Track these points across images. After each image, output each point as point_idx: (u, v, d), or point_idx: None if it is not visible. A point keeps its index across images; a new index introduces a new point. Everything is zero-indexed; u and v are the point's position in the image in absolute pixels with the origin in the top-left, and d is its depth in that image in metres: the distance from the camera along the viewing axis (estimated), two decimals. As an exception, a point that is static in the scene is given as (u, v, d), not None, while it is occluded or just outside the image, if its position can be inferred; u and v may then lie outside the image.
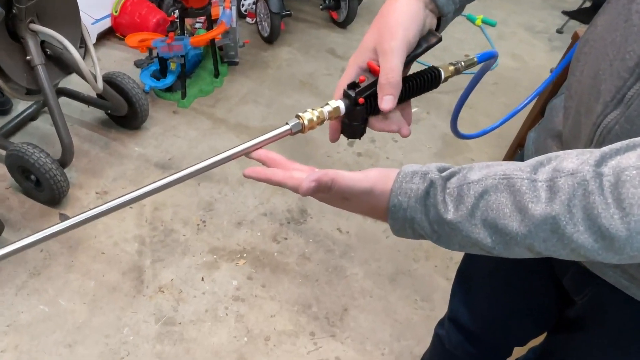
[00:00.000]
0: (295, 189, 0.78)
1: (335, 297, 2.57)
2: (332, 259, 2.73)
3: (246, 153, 0.84)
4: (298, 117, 0.84)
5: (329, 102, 0.86)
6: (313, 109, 0.84)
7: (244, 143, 0.83)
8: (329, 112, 0.85)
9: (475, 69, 1.05)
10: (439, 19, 0.92)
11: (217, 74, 3.85)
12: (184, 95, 3.63)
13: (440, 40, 0.90)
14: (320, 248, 2.77)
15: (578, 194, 0.62)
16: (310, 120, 0.84)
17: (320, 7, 4.60)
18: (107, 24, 4.16)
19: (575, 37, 2.52)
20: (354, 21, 4.68)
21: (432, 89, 0.94)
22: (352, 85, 0.86)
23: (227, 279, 2.60)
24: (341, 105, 0.86)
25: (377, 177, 0.77)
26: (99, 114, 3.42)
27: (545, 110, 1.17)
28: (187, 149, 3.29)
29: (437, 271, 2.72)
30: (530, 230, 0.65)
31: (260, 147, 0.85)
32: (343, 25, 4.70)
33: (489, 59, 1.01)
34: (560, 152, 0.68)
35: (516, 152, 3.12)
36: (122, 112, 3.15)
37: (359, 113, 0.87)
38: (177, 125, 3.47)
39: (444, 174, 0.75)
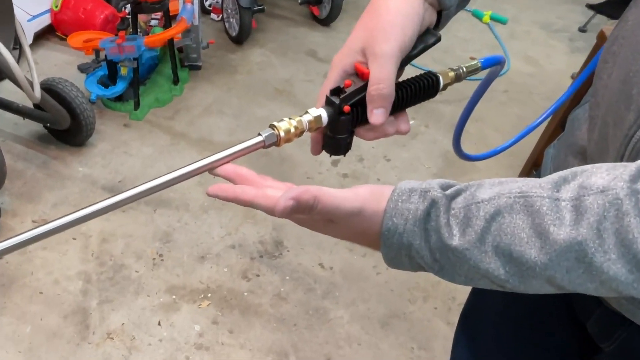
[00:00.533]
0: (269, 210, 0.76)
1: (316, 344, 2.62)
2: (312, 300, 2.78)
3: (210, 169, 0.82)
4: (273, 127, 0.82)
5: (309, 111, 0.85)
6: (290, 118, 0.83)
7: (207, 157, 0.82)
8: (309, 122, 0.84)
9: (482, 74, 1.06)
10: (439, 14, 0.92)
11: (176, 81, 3.93)
12: (137, 106, 3.70)
13: (439, 39, 0.91)
14: (298, 287, 2.83)
15: (610, 215, 0.60)
16: (287, 131, 0.82)
17: (299, 1, 4.68)
18: (46, 21, 4.22)
19: (602, 37, 2.54)
20: (339, 18, 4.78)
21: (428, 98, 0.94)
22: (336, 91, 0.85)
23: (189, 324, 2.64)
24: (323, 114, 0.85)
25: (369, 195, 0.76)
26: (36, 127, 3.47)
27: (565, 122, 1.17)
28: (141, 168, 3.36)
29: (437, 314, 2.78)
30: (552, 259, 0.63)
31: (227, 162, 0.83)
32: (325, 22, 4.79)
33: (495, 65, 1.01)
34: (588, 166, 0.67)
35: (531, 172, 3.17)
36: (64, 126, 3.19)
37: (344, 124, 0.86)
38: (129, 141, 3.54)
39: (448, 192, 0.73)
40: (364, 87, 0.84)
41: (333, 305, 2.76)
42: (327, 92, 0.86)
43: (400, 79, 0.91)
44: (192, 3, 3.72)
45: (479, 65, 0.98)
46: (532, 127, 1.52)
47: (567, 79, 4.41)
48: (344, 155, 0.92)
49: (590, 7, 5.11)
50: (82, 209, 0.77)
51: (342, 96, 0.84)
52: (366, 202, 0.75)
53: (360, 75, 0.85)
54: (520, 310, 1.27)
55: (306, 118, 0.84)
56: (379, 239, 0.75)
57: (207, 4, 4.77)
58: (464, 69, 0.97)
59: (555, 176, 0.68)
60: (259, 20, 4.69)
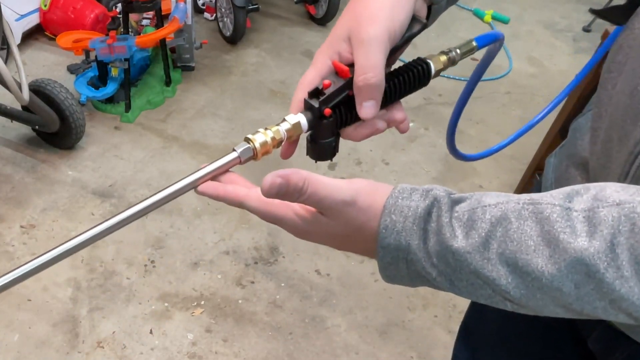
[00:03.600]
0: (259, 211, 0.76)
1: (313, 353, 2.63)
2: (309, 308, 2.80)
3: (181, 193, 0.79)
4: (247, 140, 0.79)
5: (287, 118, 0.81)
6: (266, 129, 0.80)
7: (177, 182, 0.78)
8: (287, 131, 0.80)
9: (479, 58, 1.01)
10: (428, 8, 0.89)
11: (168, 82, 3.95)
12: (128, 108, 3.72)
13: (425, 26, 0.87)
14: (294, 294, 2.84)
15: (624, 229, 0.59)
16: (264, 144, 0.79)
17: (295, -1, 4.69)
18: (34, 20, 4.24)
19: (606, 37, 2.54)
20: (336, 17, 4.75)
21: (419, 88, 0.89)
22: (315, 93, 0.80)
23: (181, 332, 2.66)
24: (302, 119, 0.81)
25: (364, 186, 0.74)
26: (25, 130, 3.50)
27: (565, 129, 1.14)
28: (132, 173, 3.37)
29: (437, 322, 2.79)
30: (560, 270, 0.61)
31: (201, 184, 0.80)
32: (322, 22, 4.82)
33: (492, 43, 0.94)
34: (601, 183, 0.65)
35: (534, 176, 3.18)
36: (53, 128, 3.21)
37: (326, 127, 0.82)
38: (120, 144, 3.56)
39: (453, 195, 0.71)
40: (347, 85, 0.80)
41: (330, 313, 2.77)
42: (308, 81, 0.82)
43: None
44: (185, 2, 3.73)
45: (475, 45, 0.92)
46: (531, 125, 1.50)
47: (570, 80, 4.40)
48: (331, 160, 0.87)
49: (594, 12, 5.09)
50: (59, 245, 0.74)
51: (321, 98, 0.80)
52: (360, 192, 0.73)
53: (340, 72, 0.81)
54: (521, 324, 1.26)
55: (284, 127, 0.80)
56: (376, 239, 0.72)
57: (200, 2, 4.79)
58: (458, 51, 0.90)
59: (566, 188, 0.66)
60: (254, 20, 4.71)
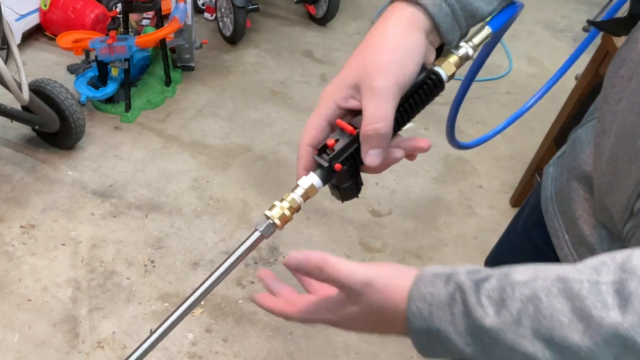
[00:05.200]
0: (302, 320, 0.89)
1: (313, 353, 2.64)
2: (309, 307, 2.77)
3: (218, 282, 0.83)
4: (267, 217, 0.81)
5: (299, 183, 0.82)
6: (282, 200, 0.82)
7: (217, 269, 0.82)
8: (302, 196, 0.82)
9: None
10: (438, 49, 0.87)
11: (168, 82, 3.95)
12: (128, 108, 3.72)
13: (433, 72, 0.86)
14: (294, 294, 2.81)
15: None
16: (282, 217, 0.81)
17: (295, -1, 4.70)
18: (34, 20, 4.25)
19: (606, 38, 2.54)
20: (336, 17, 4.81)
21: (432, 99, 0.88)
22: (323, 149, 0.82)
23: (181, 332, 2.66)
24: (315, 180, 0.82)
25: (380, 270, 0.76)
26: (25, 130, 3.50)
27: (562, 137, 1.12)
28: (132, 173, 3.38)
29: (436, 321, 2.77)
30: (597, 344, 0.61)
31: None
32: (322, 22, 4.82)
33: (510, 20, 0.90)
34: (627, 250, 0.65)
35: (534, 176, 3.18)
36: (53, 128, 3.21)
37: (343, 175, 0.84)
38: (120, 144, 3.56)
39: (477, 276, 0.71)
40: (353, 142, 0.81)
41: (330, 313, 2.75)
42: (315, 125, 0.84)
43: None
44: (185, 2, 3.73)
45: (489, 31, 0.88)
46: (522, 112, 1.48)
47: (570, 80, 4.41)
48: (357, 197, 0.89)
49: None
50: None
51: (330, 155, 0.81)
52: (376, 275, 0.75)
53: (345, 131, 0.82)
54: None
55: (298, 193, 0.82)
56: (404, 322, 0.74)
57: (200, 2, 4.79)
58: (470, 45, 0.87)
59: (593, 260, 0.66)
60: (254, 20, 4.71)
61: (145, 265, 2.90)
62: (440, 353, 0.73)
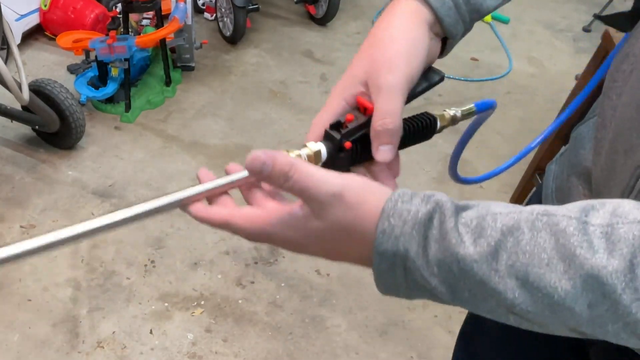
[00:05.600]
0: (246, 230, 0.75)
1: (312, 354, 2.64)
2: (309, 308, 2.80)
3: (185, 203, 0.79)
4: None
5: (308, 144, 0.79)
6: (288, 151, 0.75)
7: (188, 189, 0.78)
8: (308, 157, 0.78)
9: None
10: (443, 43, 0.89)
11: (168, 82, 3.95)
12: (128, 108, 3.72)
13: (442, 79, 0.89)
14: (294, 294, 2.84)
15: None
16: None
17: (295, -1, 4.70)
18: (34, 20, 4.25)
19: (607, 38, 2.53)
20: (336, 17, 4.81)
21: (423, 140, 0.89)
22: (337, 125, 0.80)
23: (181, 332, 2.66)
24: (323, 149, 0.79)
25: (354, 182, 0.69)
26: (25, 130, 3.50)
27: (566, 135, 1.10)
28: (132, 173, 3.38)
29: (437, 322, 2.80)
30: (575, 287, 0.57)
31: (214, 194, 0.80)
32: (322, 22, 4.83)
33: (487, 110, 0.97)
34: (614, 199, 0.62)
35: (534, 176, 3.17)
36: (53, 128, 3.21)
37: (342, 161, 0.81)
38: (120, 144, 3.56)
39: (459, 203, 0.67)
40: (367, 123, 0.79)
41: (330, 313, 2.78)
42: (323, 122, 0.81)
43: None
44: (185, 2, 3.73)
45: (474, 109, 0.95)
46: (531, 148, 1.46)
47: (570, 80, 4.42)
48: None
49: (598, 17, 5.02)
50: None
51: (343, 132, 0.79)
52: (349, 187, 0.68)
53: (363, 110, 0.80)
54: (522, 332, 1.22)
55: (304, 152, 0.78)
56: (371, 244, 0.67)
57: (200, 2, 4.80)
58: (460, 113, 0.92)
59: (581, 202, 0.62)
60: (254, 20, 4.72)
61: (145, 265, 2.90)
62: (398, 285, 0.68)
